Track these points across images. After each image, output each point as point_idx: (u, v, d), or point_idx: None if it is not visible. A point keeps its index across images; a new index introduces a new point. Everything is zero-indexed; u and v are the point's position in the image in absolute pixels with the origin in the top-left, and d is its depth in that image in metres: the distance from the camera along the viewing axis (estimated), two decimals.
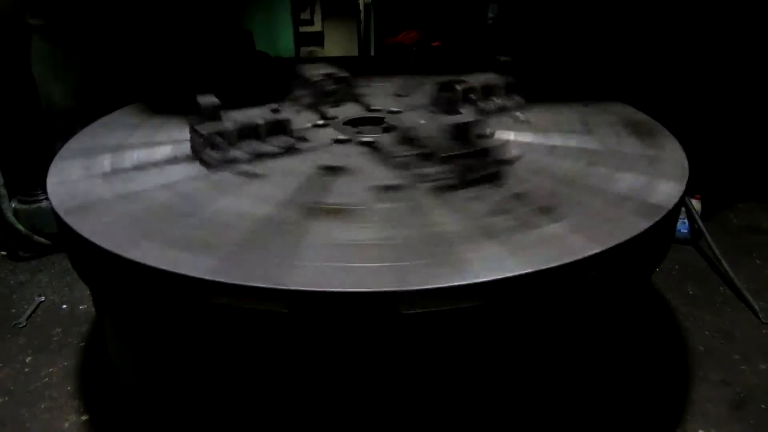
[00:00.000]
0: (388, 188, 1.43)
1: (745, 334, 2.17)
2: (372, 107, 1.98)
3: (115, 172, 1.57)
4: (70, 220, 1.31)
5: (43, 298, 2.41)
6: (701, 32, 2.81)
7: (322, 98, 1.97)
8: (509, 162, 1.55)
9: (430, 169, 1.47)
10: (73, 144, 1.76)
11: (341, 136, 1.75)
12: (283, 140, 1.65)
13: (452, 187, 1.43)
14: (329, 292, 1.06)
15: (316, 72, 2.01)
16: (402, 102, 2.04)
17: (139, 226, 1.29)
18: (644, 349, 2.08)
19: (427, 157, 1.51)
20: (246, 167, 1.54)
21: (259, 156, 1.59)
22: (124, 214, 1.35)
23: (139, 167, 1.59)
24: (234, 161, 1.56)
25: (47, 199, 2.54)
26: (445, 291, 1.06)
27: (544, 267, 1.11)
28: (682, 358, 2.06)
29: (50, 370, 2.04)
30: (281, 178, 1.50)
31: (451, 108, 1.84)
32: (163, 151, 1.68)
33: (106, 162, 1.62)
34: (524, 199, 1.38)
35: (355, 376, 1.21)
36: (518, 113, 1.89)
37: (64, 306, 2.38)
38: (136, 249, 1.18)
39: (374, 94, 2.12)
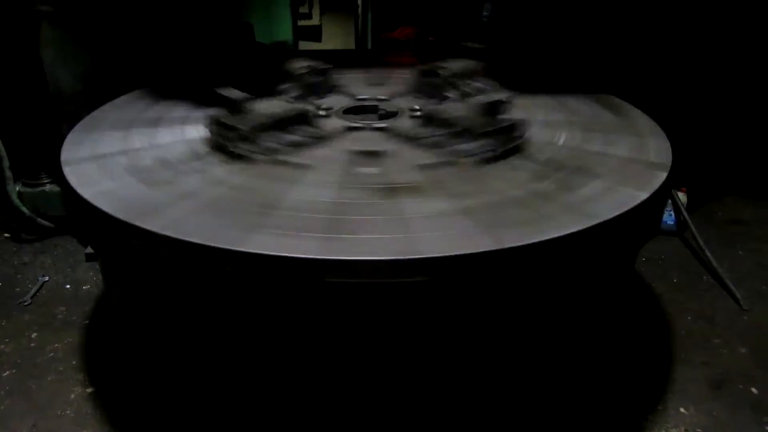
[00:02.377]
0: (431, 166, 1.52)
1: (726, 320, 2.26)
2: (358, 96, 2.04)
3: (144, 171, 1.53)
4: (152, 225, 1.24)
5: (47, 278, 2.47)
6: (688, 29, 2.90)
7: (307, 90, 2.02)
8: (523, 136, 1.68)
9: (467, 145, 1.56)
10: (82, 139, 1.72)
11: (352, 124, 1.81)
12: (309, 130, 1.70)
13: (490, 160, 1.53)
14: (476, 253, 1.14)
15: (299, 65, 2.06)
16: (381, 90, 2.10)
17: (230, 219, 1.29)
18: (629, 332, 2.16)
19: (459, 135, 1.60)
20: (283, 157, 1.57)
21: (293, 146, 1.63)
22: (198, 211, 1.32)
23: (169, 165, 1.56)
24: (271, 151, 1.59)
25: (52, 182, 2.64)
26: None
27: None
28: (665, 342, 2.15)
29: (56, 345, 2.10)
30: (326, 164, 1.54)
31: (435, 93, 1.93)
32: (178, 147, 1.67)
33: (123, 160, 1.59)
34: (554, 165, 1.53)
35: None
36: (499, 95, 1.93)
37: (68, 286, 2.44)
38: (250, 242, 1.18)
39: (352, 84, 2.16)
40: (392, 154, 1.60)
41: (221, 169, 1.53)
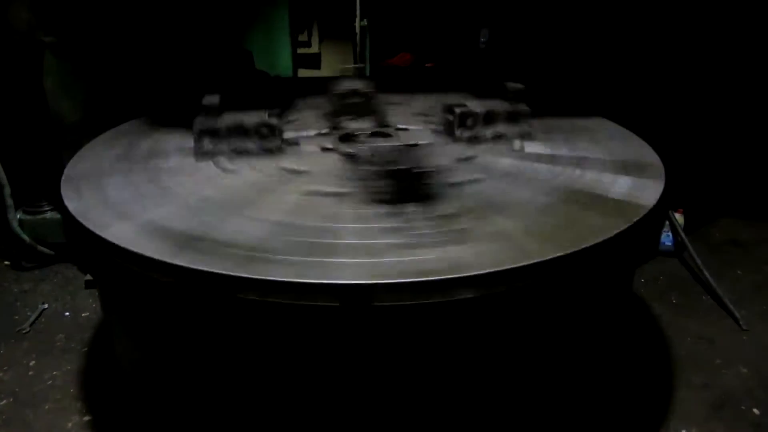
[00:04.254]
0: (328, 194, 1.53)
1: (726, 341, 2.26)
2: (385, 123, 2.01)
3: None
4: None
5: (46, 306, 2.47)
6: (685, 53, 2.94)
7: (338, 111, 2.03)
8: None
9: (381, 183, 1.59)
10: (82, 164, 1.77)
11: (329, 146, 1.83)
12: (272, 142, 1.75)
13: (383, 202, 1.51)
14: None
15: (341, 87, 2.07)
16: (413, 121, 2.05)
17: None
18: (629, 354, 2.15)
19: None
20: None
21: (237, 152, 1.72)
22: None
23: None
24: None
25: (52, 210, 2.66)
26: None
27: None
28: (665, 363, 2.14)
29: (54, 373, 2.10)
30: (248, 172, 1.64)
31: (449, 130, 1.90)
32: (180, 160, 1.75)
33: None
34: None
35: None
36: (517, 141, 1.86)
37: (67, 313, 2.44)
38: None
39: (396, 112, 2.12)
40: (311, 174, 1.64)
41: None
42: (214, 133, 1.72)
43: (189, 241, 1.28)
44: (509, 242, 1.28)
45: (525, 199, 1.50)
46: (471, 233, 1.32)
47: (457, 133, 1.85)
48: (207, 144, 1.72)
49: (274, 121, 1.76)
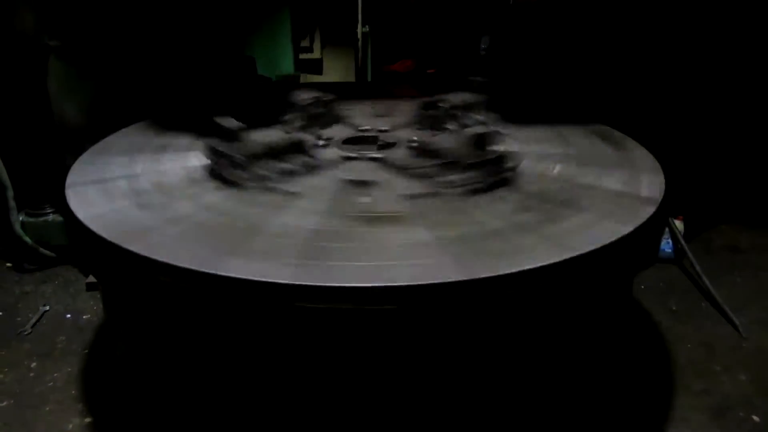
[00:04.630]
0: (418, 196, 1.53)
1: (726, 348, 2.26)
2: (360, 127, 2.07)
3: (140, 194, 1.58)
4: (136, 248, 1.28)
5: (47, 308, 2.48)
6: (685, 62, 2.95)
7: (311, 121, 2.06)
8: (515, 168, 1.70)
9: (455, 176, 1.59)
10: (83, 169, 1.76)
11: (348, 154, 1.84)
12: (301, 159, 1.74)
13: (478, 191, 1.55)
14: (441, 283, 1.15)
15: (305, 96, 2.11)
16: (385, 121, 2.12)
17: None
18: (629, 359, 2.16)
19: (448, 166, 1.63)
20: (274, 185, 1.60)
21: (285, 174, 1.67)
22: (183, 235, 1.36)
23: (164, 191, 1.61)
24: (262, 179, 1.63)
25: (55, 212, 2.67)
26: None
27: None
28: (665, 369, 2.15)
29: (55, 375, 2.11)
30: (315, 192, 1.57)
31: (436, 125, 1.96)
32: (178, 173, 1.72)
33: (123, 184, 1.64)
34: (543, 197, 1.53)
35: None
36: (498, 128, 1.97)
37: (68, 315, 2.45)
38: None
39: (357, 115, 2.19)
40: (379, 184, 1.62)
41: (213, 195, 1.56)
42: (246, 159, 1.67)
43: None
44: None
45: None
46: None
47: (448, 126, 1.96)
48: (242, 172, 1.65)
49: (306, 136, 1.78)
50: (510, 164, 1.68)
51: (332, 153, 1.86)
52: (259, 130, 1.78)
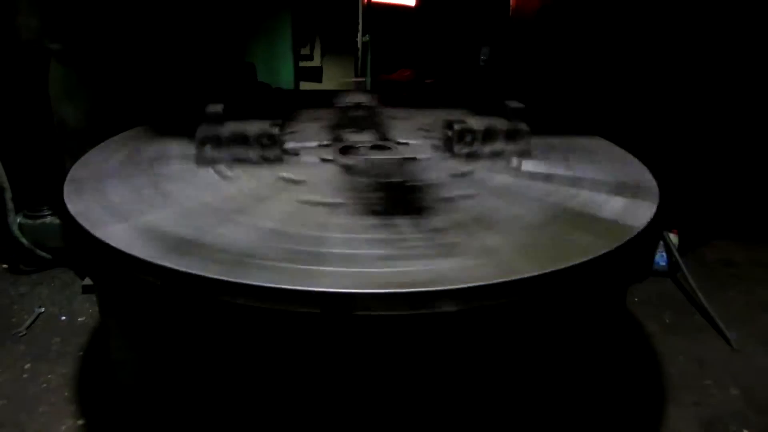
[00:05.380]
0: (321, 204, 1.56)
1: (718, 361, 2.28)
2: (386, 138, 2.03)
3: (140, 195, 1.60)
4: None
5: (42, 309, 2.48)
6: (681, 76, 2.98)
7: (339, 123, 2.08)
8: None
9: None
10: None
11: (328, 157, 1.85)
12: (272, 152, 1.78)
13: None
14: None
15: (345, 99, 2.14)
16: (420, 135, 2.07)
17: None
18: (621, 371, 2.17)
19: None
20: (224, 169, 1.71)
21: (240, 161, 1.74)
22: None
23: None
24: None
25: (52, 214, 2.68)
26: None
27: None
28: (656, 381, 2.16)
29: (49, 376, 2.11)
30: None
31: (448, 146, 1.93)
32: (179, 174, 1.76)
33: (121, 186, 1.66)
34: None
35: None
36: (515, 159, 1.87)
37: (63, 317, 2.45)
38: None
39: (397, 126, 2.14)
40: (307, 184, 1.66)
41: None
42: (215, 141, 1.74)
43: (180, 244, 1.30)
44: (495, 258, 1.30)
45: (516, 215, 1.52)
46: (458, 247, 1.34)
47: (456, 149, 1.88)
48: (208, 151, 1.75)
49: (275, 131, 1.79)
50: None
51: (317, 155, 1.87)
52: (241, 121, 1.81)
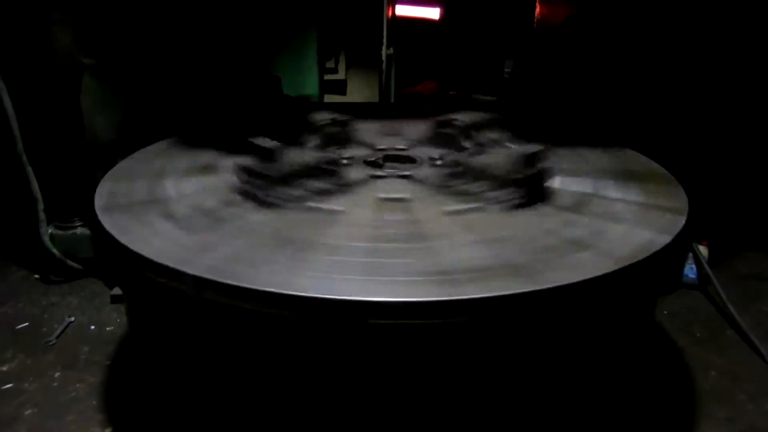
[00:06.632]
0: (461, 211, 1.57)
1: (751, 376, 2.22)
2: (377, 147, 2.08)
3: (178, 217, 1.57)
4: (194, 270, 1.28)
5: (72, 319, 2.52)
6: (713, 83, 2.94)
7: (328, 141, 2.09)
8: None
9: (497, 193, 1.63)
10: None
11: (375, 172, 1.86)
12: (333, 179, 1.76)
13: (520, 206, 1.59)
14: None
15: (321, 117, 2.15)
16: (399, 140, 2.14)
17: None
18: (651, 385, 2.13)
19: (484, 181, 1.69)
20: (313, 204, 1.62)
21: (321, 193, 1.69)
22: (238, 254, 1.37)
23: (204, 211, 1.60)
24: (299, 199, 1.64)
25: (83, 225, 2.73)
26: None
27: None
28: (688, 396, 2.11)
29: (77, 385, 2.14)
30: (357, 209, 1.59)
31: (452, 142, 1.99)
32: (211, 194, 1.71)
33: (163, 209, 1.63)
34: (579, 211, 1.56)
35: None
36: (511, 145, 1.99)
37: (92, 327, 2.49)
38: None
39: (371, 135, 2.20)
40: (418, 201, 1.64)
41: (255, 216, 1.56)
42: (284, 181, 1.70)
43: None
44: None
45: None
46: None
47: (464, 144, 1.98)
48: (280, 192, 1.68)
49: (335, 156, 1.81)
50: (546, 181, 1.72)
51: (358, 172, 1.87)
52: (290, 150, 1.81)
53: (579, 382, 1.44)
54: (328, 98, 4.25)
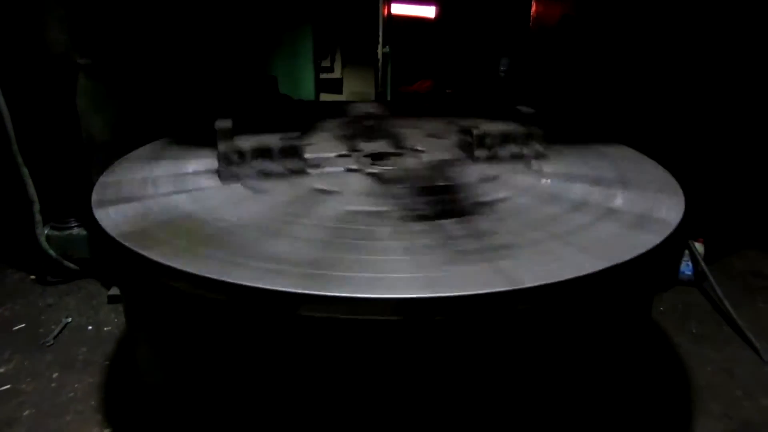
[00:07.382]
0: (366, 213, 1.56)
1: (747, 372, 2.23)
2: (401, 145, 2.08)
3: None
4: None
5: (69, 319, 2.52)
6: (708, 81, 2.95)
7: (358, 133, 2.11)
8: None
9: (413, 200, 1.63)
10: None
11: (354, 166, 1.87)
12: (296, 164, 1.79)
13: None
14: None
15: (358, 110, 2.16)
16: (431, 143, 2.11)
17: None
18: (647, 381, 2.14)
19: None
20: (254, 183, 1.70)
21: (267, 174, 1.75)
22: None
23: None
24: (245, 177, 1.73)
25: (79, 226, 2.72)
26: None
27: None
28: (685, 392, 2.12)
29: (75, 385, 2.13)
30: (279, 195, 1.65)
31: (469, 151, 1.95)
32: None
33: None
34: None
35: None
36: (533, 162, 1.92)
37: (90, 327, 2.49)
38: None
39: (408, 135, 2.19)
40: (341, 195, 1.67)
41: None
42: (238, 156, 1.75)
43: (235, 259, 1.30)
44: (554, 255, 1.33)
45: (555, 215, 1.55)
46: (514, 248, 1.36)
47: (476, 153, 1.90)
48: (233, 166, 1.74)
49: (297, 142, 1.80)
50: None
51: (343, 164, 1.89)
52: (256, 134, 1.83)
53: (575, 379, 1.44)
54: (324, 97, 4.25)
